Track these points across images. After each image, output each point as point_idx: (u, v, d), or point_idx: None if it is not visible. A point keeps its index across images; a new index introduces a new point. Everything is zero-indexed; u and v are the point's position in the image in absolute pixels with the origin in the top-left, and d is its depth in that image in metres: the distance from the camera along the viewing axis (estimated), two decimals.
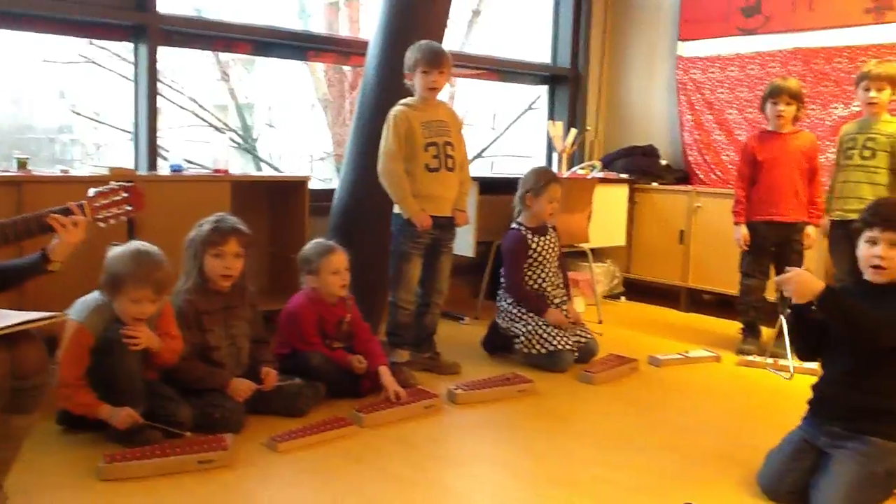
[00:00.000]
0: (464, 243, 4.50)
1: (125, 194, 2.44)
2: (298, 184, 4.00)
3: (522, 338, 3.70)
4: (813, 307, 2.25)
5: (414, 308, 3.58)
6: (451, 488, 2.41)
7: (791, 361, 2.34)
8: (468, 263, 4.76)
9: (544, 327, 3.67)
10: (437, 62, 3.41)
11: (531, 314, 3.73)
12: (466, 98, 8.61)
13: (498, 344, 3.89)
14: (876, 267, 2.29)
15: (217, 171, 3.86)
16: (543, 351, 3.65)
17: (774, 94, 3.96)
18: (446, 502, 2.31)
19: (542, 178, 3.81)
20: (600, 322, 4.59)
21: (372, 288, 3.70)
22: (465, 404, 3.13)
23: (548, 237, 3.87)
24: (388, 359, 3.26)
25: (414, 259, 3.50)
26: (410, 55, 3.44)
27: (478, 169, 6.81)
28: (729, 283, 4.37)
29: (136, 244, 2.59)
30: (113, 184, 2.45)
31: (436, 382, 3.36)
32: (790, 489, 2.31)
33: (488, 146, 7.59)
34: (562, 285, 3.92)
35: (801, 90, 4.00)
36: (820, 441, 2.33)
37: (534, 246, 3.81)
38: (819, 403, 2.39)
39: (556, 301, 3.84)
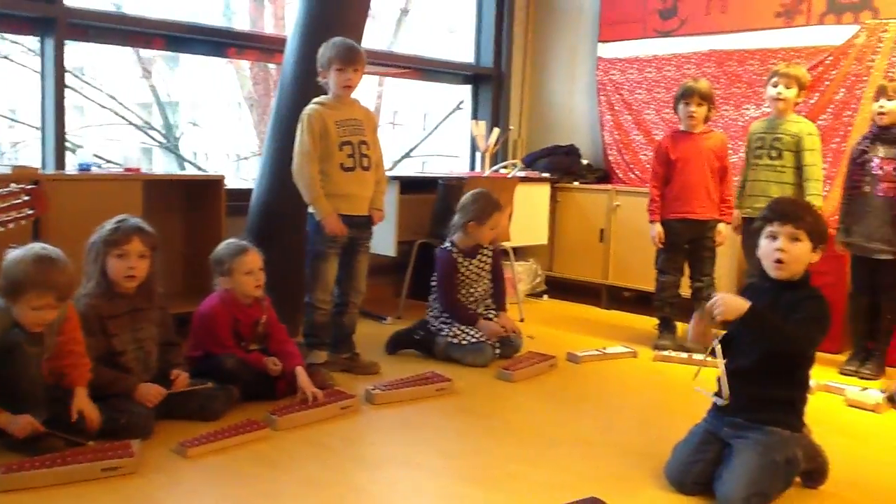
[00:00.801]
0: (385, 243, 4.47)
1: (26, 197, 2.37)
2: (214, 183, 3.92)
3: (448, 329, 3.76)
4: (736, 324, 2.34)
5: (330, 308, 3.54)
6: (366, 491, 2.38)
7: (726, 387, 2.43)
8: (390, 263, 4.75)
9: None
10: (352, 59, 3.36)
11: None
12: (395, 98, 8.59)
13: (407, 342, 3.90)
14: (777, 261, 2.37)
15: (129, 169, 3.75)
16: (466, 342, 3.71)
17: (686, 95, 4.05)
18: None
19: (486, 208, 3.83)
20: (522, 320, 4.63)
21: (290, 288, 3.65)
22: (383, 404, 3.12)
23: (478, 258, 3.90)
24: (306, 360, 3.22)
25: (330, 259, 3.46)
26: (324, 52, 3.38)
27: (408, 168, 6.81)
28: (647, 280, 4.45)
29: (36, 247, 2.47)
30: (14, 186, 2.37)
31: (354, 383, 3.33)
32: (696, 480, 2.37)
33: (416, 146, 7.59)
34: (490, 296, 3.96)
35: (711, 91, 4.10)
36: (723, 432, 2.39)
37: (462, 270, 3.85)
38: None
39: (482, 312, 3.91)
